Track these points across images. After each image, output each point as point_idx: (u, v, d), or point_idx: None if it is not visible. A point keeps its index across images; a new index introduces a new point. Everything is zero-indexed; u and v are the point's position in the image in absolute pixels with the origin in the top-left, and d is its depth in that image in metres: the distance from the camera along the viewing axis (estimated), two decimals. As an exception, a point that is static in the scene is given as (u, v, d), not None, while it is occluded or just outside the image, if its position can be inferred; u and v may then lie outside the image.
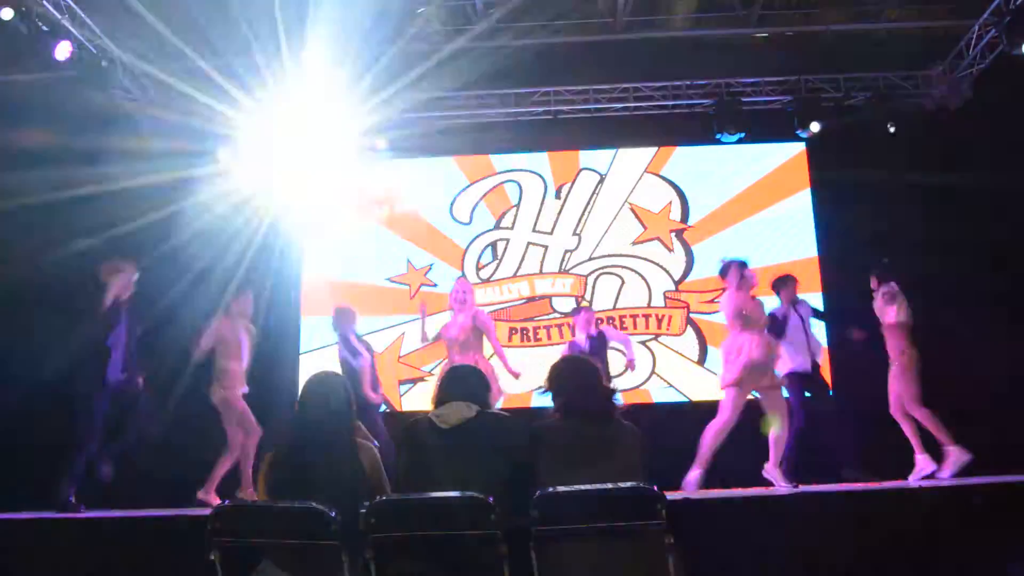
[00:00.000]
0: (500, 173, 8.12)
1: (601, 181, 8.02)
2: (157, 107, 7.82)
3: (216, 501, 5.50)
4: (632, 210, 7.94)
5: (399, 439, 2.99)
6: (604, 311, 7.64)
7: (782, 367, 5.86)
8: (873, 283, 5.92)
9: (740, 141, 7.78)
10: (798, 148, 7.95)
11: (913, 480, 5.50)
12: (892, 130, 7.54)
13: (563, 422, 2.86)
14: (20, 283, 7.27)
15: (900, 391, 5.58)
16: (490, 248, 7.96)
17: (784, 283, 6.12)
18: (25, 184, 7.15)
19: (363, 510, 2.54)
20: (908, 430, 5.63)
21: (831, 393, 7.24)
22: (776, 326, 5.76)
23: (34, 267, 7.36)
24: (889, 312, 5.75)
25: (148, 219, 7.90)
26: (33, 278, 7.37)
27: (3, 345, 6.38)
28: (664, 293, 7.73)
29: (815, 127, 7.53)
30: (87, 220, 7.70)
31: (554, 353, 7.49)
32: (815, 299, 7.47)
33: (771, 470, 5.56)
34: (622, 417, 2.91)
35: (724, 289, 5.89)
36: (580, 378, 2.95)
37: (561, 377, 2.99)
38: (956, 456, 5.37)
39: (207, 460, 5.69)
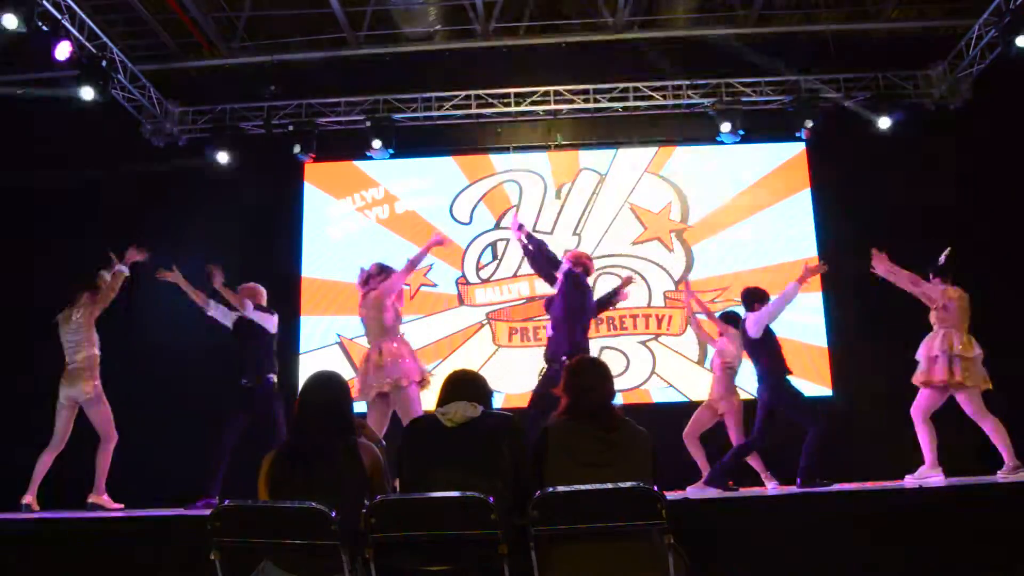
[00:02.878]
0: (500, 173, 8.12)
1: (601, 181, 8.03)
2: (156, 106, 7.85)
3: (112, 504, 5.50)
4: (632, 210, 7.95)
5: (402, 437, 2.99)
6: (604, 311, 7.63)
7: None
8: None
9: (740, 141, 7.78)
10: (798, 148, 7.95)
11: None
12: (885, 126, 7.53)
13: (572, 423, 2.86)
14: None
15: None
16: (490, 248, 7.96)
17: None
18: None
19: (363, 509, 2.55)
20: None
21: (831, 393, 7.26)
22: None
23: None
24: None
25: (148, 220, 7.93)
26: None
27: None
28: (664, 293, 7.73)
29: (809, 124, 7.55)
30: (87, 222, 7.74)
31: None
32: (815, 299, 7.49)
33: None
34: (627, 418, 2.92)
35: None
36: (586, 379, 2.95)
37: (571, 377, 2.99)
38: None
39: (206, 461, 5.68)
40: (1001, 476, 5.17)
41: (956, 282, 5.49)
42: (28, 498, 5.39)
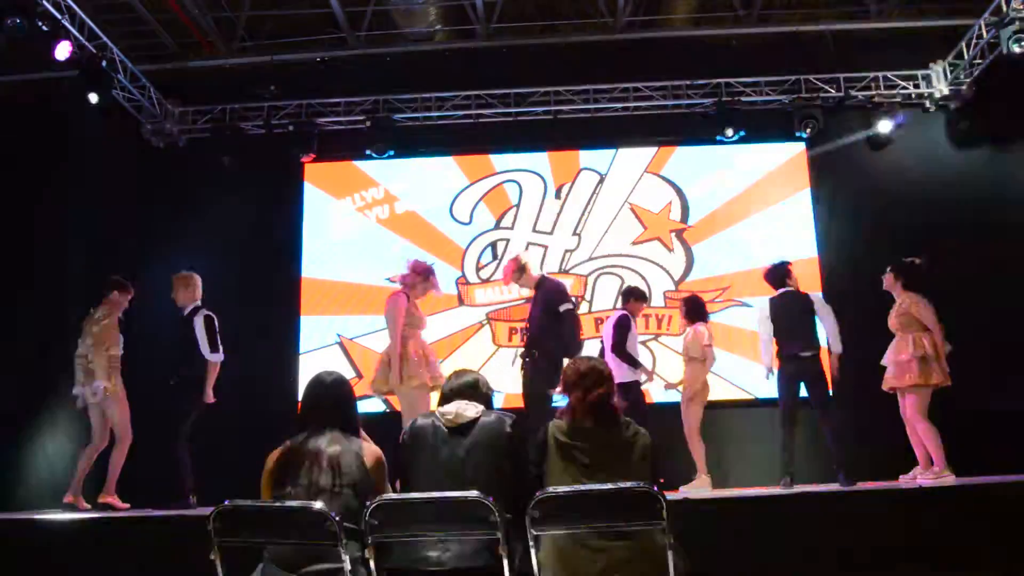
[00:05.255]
0: (500, 173, 8.12)
1: (601, 181, 8.02)
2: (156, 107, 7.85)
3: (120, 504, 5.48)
4: (632, 210, 7.94)
5: (402, 437, 2.99)
6: (604, 311, 7.64)
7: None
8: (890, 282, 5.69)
9: (740, 141, 7.78)
10: (798, 148, 7.95)
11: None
12: (885, 129, 7.53)
13: (573, 423, 2.86)
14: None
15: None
16: (490, 248, 7.97)
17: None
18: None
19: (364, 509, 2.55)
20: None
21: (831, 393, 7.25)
22: None
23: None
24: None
25: (148, 220, 7.93)
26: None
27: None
28: (664, 293, 7.73)
29: (808, 128, 7.56)
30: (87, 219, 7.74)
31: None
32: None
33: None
34: (627, 418, 2.92)
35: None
36: (585, 379, 2.95)
37: (573, 378, 2.99)
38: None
39: (209, 461, 5.68)
40: (919, 478, 5.26)
41: (908, 286, 5.55)
42: (70, 497, 5.36)
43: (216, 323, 5.58)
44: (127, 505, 5.52)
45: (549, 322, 5.29)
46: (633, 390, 5.77)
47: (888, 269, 5.69)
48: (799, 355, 5.48)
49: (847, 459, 5.26)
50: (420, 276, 5.57)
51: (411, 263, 5.64)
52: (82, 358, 5.49)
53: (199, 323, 5.52)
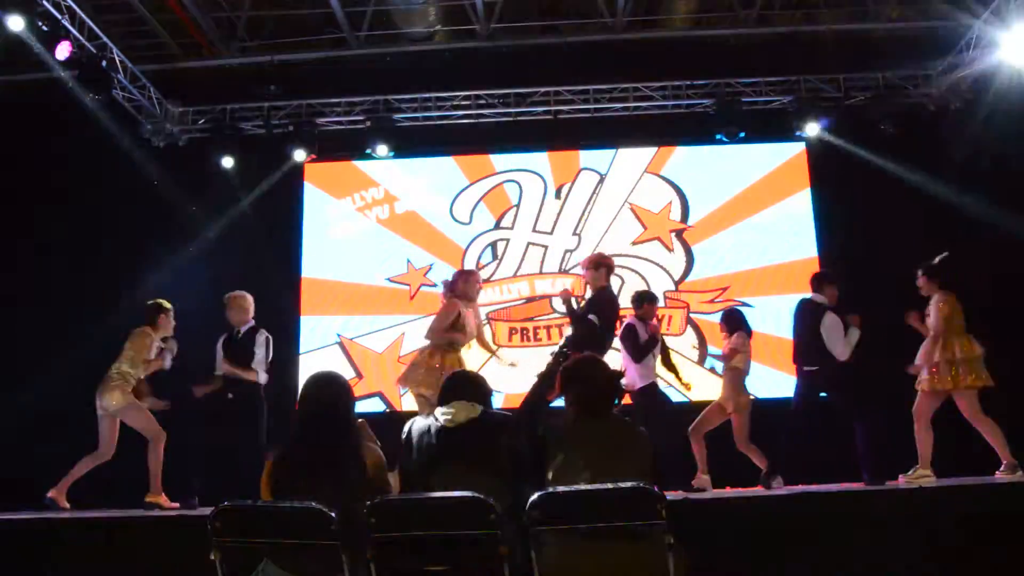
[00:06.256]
0: (500, 173, 8.12)
1: (601, 181, 8.03)
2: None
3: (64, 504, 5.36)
4: (632, 210, 7.95)
5: (403, 437, 2.99)
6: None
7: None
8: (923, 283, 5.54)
9: (740, 141, 7.78)
10: (798, 148, 7.95)
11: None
12: (889, 130, 7.55)
13: (572, 423, 2.86)
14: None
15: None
16: (490, 248, 7.97)
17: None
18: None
19: (364, 510, 2.55)
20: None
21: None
22: None
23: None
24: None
25: (148, 220, 7.93)
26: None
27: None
28: (664, 293, 7.72)
29: (813, 128, 7.53)
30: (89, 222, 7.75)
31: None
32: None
33: None
34: (627, 417, 2.93)
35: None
36: (587, 378, 2.95)
37: (571, 377, 2.99)
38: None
39: (210, 461, 5.68)
40: (999, 476, 5.18)
41: (944, 285, 5.45)
42: (53, 492, 5.33)
43: (271, 344, 5.75)
44: (176, 504, 5.45)
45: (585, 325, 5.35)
46: (648, 393, 5.69)
47: (919, 273, 5.53)
48: (803, 369, 5.44)
49: (872, 462, 5.16)
50: (460, 279, 5.62)
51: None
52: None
53: (261, 341, 5.69)
